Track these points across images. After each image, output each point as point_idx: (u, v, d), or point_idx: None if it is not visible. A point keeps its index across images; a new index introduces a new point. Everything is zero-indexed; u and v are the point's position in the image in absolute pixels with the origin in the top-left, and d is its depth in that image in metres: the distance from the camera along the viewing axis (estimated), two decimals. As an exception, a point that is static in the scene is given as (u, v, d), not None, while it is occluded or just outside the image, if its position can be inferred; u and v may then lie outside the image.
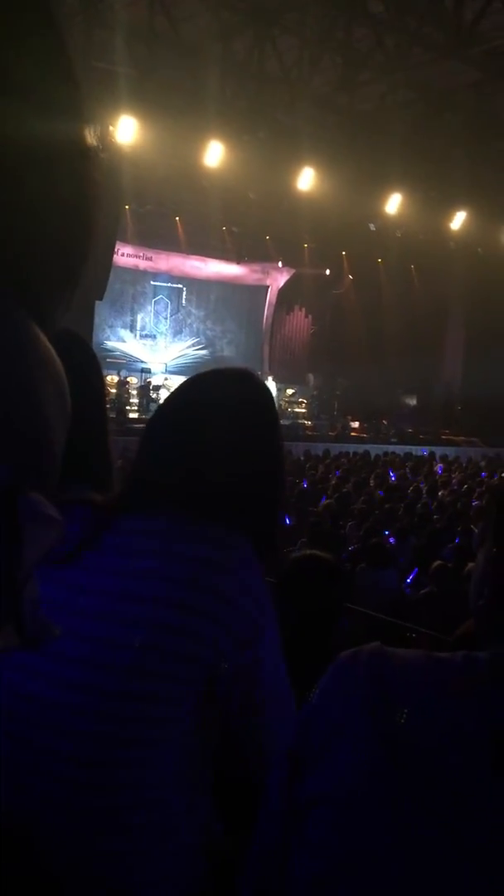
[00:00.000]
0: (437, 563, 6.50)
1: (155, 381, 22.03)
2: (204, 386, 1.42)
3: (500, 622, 0.83)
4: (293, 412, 24.06)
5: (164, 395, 16.28)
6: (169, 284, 25.77)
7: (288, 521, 9.19)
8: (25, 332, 0.51)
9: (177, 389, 1.43)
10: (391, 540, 7.97)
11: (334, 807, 0.74)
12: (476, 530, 7.94)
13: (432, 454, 19.63)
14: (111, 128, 15.40)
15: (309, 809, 0.76)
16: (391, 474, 14.98)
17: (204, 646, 1.19)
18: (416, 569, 6.88)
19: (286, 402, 24.40)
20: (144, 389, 21.11)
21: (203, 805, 1.31)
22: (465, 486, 13.70)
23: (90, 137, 0.58)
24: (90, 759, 1.18)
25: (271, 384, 23.01)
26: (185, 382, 1.44)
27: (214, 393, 1.40)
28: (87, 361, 1.66)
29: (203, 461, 1.32)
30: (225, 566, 1.22)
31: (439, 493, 12.25)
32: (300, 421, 22.79)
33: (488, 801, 0.68)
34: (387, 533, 8.10)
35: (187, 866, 1.27)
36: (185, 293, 26.18)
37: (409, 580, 6.88)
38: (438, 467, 17.31)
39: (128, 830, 1.21)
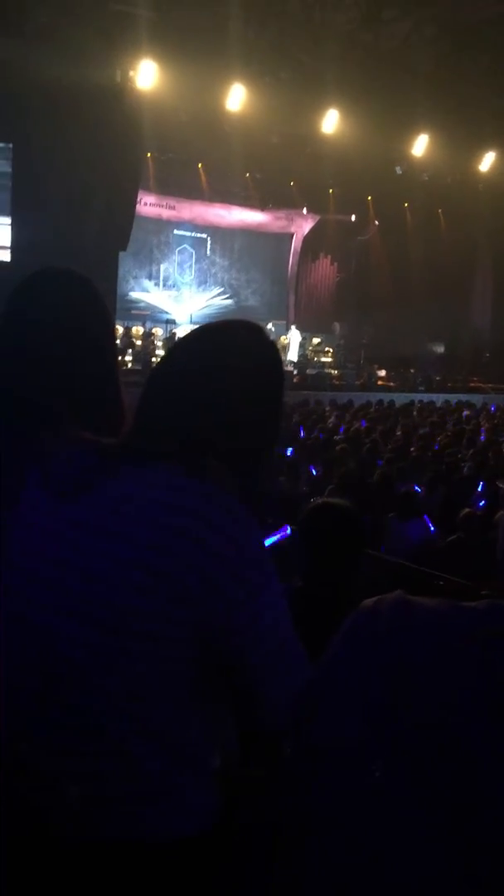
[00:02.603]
0: (466, 510, 6.48)
1: (180, 332, 21.92)
2: (213, 340, 1.39)
3: None
4: (319, 361, 23.85)
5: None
6: (192, 234, 25.49)
7: (315, 472, 9.18)
8: None
9: (182, 341, 1.41)
10: (416, 488, 7.93)
11: (342, 757, 0.73)
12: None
13: (460, 402, 19.42)
14: (131, 73, 15.11)
15: (322, 755, 0.75)
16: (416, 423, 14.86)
17: (197, 590, 1.19)
18: (444, 519, 6.86)
19: (312, 351, 24.19)
20: (170, 341, 21.05)
21: (216, 731, 1.32)
22: (494, 434, 13.56)
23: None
24: (88, 684, 1.21)
25: (295, 333, 22.81)
26: (190, 335, 1.41)
27: (223, 348, 1.37)
28: (85, 302, 1.61)
29: (210, 416, 1.31)
30: (217, 524, 1.21)
31: (464, 441, 12.12)
32: (327, 370, 22.59)
33: (496, 751, 0.67)
34: (400, 485, 8.05)
35: (202, 795, 1.28)
36: (209, 242, 25.91)
37: (433, 529, 6.86)
38: (464, 413, 17.11)
39: (132, 760, 1.22)
